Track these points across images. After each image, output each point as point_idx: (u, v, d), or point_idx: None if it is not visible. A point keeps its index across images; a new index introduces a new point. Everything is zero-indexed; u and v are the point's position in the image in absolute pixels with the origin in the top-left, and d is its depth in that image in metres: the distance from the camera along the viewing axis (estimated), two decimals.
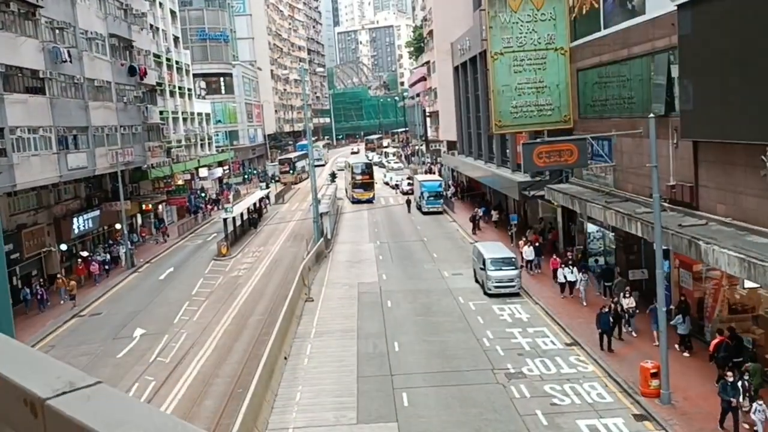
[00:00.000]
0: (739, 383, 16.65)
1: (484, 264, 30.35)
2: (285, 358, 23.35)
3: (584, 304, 27.57)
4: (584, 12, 30.51)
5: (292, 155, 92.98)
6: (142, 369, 23.57)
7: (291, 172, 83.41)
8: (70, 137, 35.85)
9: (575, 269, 29.12)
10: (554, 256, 31.90)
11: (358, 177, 64.52)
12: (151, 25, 55.68)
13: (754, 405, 15.36)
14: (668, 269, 24.54)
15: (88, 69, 38.36)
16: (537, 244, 34.64)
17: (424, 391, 20.18)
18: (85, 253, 40.22)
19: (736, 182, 19.52)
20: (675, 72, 22.74)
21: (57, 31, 35.31)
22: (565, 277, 29.09)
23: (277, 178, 77.67)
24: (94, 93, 39.30)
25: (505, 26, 32.75)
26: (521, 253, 34.10)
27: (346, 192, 67.59)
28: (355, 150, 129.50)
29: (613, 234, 30.08)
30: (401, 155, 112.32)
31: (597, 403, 18.80)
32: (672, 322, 21.40)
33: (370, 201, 63.25)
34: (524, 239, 35.75)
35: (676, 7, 21.00)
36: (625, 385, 19.57)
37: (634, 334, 23.91)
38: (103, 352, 25.87)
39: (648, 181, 25.20)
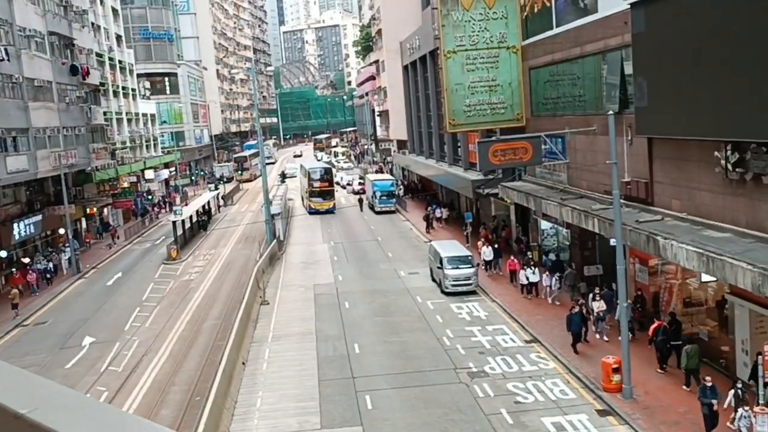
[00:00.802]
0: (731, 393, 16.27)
1: (441, 263, 30.29)
2: (243, 363, 22.81)
3: (557, 303, 27.15)
4: (536, 11, 30.73)
5: (246, 153, 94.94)
6: (93, 379, 22.69)
7: (241, 171, 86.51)
8: (9, 139, 34.43)
9: (537, 270, 28.99)
10: (512, 258, 31.75)
11: (316, 184, 56.64)
12: (93, 23, 53.99)
13: (739, 411, 15.49)
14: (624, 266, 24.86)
15: (27, 68, 36.90)
16: (495, 245, 34.20)
17: (387, 393, 19.93)
18: (26, 260, 38.72)
19: (690, 178, 19.84)
20: (628, 70, 23.12)
21: None
22: (527, 278, 28.83)
23: (225, 179, 76.40)
24: (34, 93, 37.83)
25: (457, 25, 32.75)
26: (479, 253, 33.80)
27: (302, 201, 61.04)
28: (298, 153, 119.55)
29: (567, 230, 30.42)
30: (350, 155, 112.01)
31: (560, 399, 18.86)
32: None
33: (330, 211, 56.01)
34: (482, 240, 35.51)
35: (629, 6, 21.27)
36: (587, 381, 19.70)
37: (605, 338, 22.93)
38: (51, 363, 24.83)
39: (603, 177, 25.58)
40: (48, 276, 38.33)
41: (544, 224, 33.28)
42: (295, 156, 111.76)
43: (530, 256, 31.11)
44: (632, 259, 24.37)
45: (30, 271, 37.05)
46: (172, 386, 21.71)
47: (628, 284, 24.73)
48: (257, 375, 22.03)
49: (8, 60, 33.89)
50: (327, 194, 56.81)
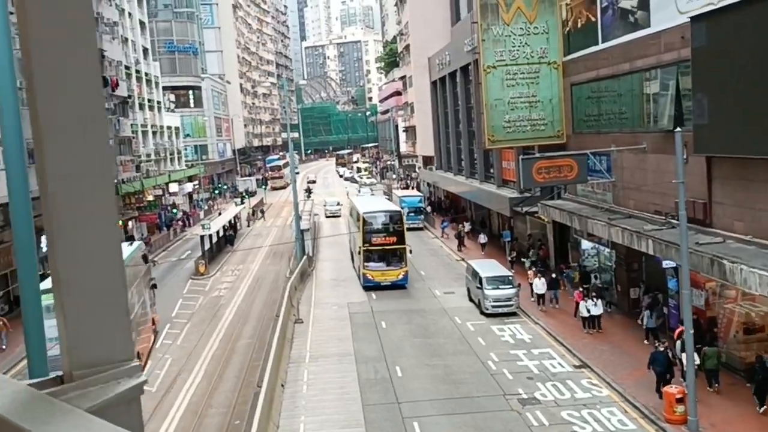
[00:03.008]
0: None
1: (480, 283, 29.44)
2: (282, 386, 22.06)
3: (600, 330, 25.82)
4: (579, 26, 30.00)
5: (280, 163, 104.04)
6: None
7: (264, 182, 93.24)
8: None
9: (599, 301, 26.09)
10: (579, 289, 29.53)
11: (376, 238, 35.26)
12: (121, 36, 53.98)
13: None
14: (676, 287, 23.94)
15: None
16: (553, 275, 30.76)
17: (436, 420, 19.08)
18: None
19: (755, 199, 18.92)
20: (683, 86, 22.32)
21: None
22: (588, 310, 25.88)
23: (249, 194, 76.06)
24: None
25: (497, 39, 32.10)
26: (530, 284, 30.59)
27: (352, 260, 41.02)
28: (312, 179, 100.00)
29: (611, 251, 29.48)
30: (372, 170, 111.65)
31: (620, 430, 17.93)
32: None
33: (401, 285, 34.82)
34: (533, 269, 31.91)
35: (688, 20, 20.50)
36: (646, 411, 18.74)
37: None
38: None
39: (653, 197, 24.71)
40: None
41: (585, 244, 32.35)
42: (308, 183, 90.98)
43: (590, 285, 28.61)
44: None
45: None
46: (209, 408, 21.00)
47: (681, 309, 23.89)
48: (297, 398, 21.26)
49: None
50: (394, 256, 35.15)
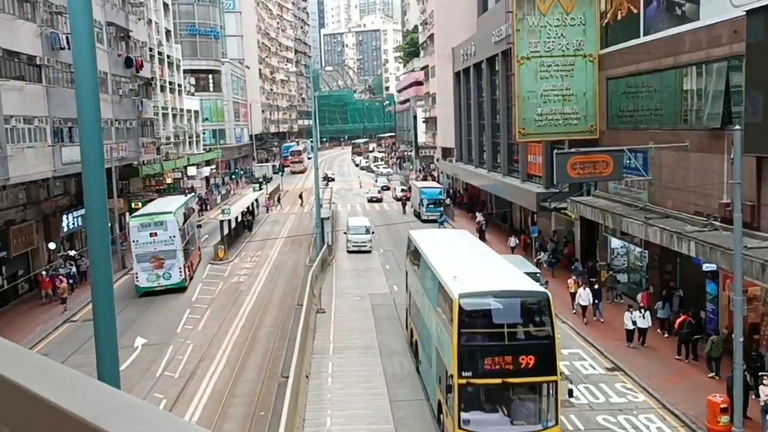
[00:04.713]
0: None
1: None
2: (306, 377, 21.51)
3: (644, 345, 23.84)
4: (619, 18, 29.15)
5: (299, 148, 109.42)
6: (149, 384, 21.56)
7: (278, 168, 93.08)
8: (66, 129, 33.63)
9: (647, 313, 23.81)
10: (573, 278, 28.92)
11: (492, 359, 16.06)
12: (145, 17, 53.40)
13: None
14: (715, 292, 23.21)
15: None
16: (596, 285, 27.65)
17: None
18: (72, 253, 37.86)
19: None
20: (732, 82, 21.52)
21: (55, 16, 33.10)
22: (633, 322, 23.73)
23: (266, 180, 75.57)
24: None
25: (532, 30, 31.28)
26: (571, 293, 28.12)
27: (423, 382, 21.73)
28: (331, 175, 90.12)
29: (643, 251, 28.73)
30: (388, 160, 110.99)
31: None
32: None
33: None
34: (573, 279, 29.19)
35: (742, 13, 19.67)
36: (685, 419, 18.05)
37: None
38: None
39: (694, 197, 23.92)
40: (71, 282, 33.40)
41: (615, 242, 31.60)
42: (325, 180, 78.28)
43: (646, 295, 26.12)
44: (725, 287, 22.70)
45: (58, 278, 32.67)
46: (233, 398, 20.47)
47: (720, 314, 23.18)
48: (323, 391, 20.70)
49: (68, 48, 33.10)
50: (529, 400, 16.61)
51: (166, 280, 32.95)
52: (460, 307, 15.88)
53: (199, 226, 42.82)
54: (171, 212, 34.24)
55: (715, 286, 23.05)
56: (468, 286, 16.85)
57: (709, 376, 20.57)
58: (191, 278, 35.45)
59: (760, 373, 18.15)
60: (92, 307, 4.59)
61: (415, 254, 24.32)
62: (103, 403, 1.18)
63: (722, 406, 17.09)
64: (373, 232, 43.30)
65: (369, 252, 41.73)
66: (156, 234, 32.77)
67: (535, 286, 18.07)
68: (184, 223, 35.92)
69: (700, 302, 24.16)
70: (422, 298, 21.44)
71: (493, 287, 17.28)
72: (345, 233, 43.81)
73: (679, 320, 22.86)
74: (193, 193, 48.96)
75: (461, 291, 16.33)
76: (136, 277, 33.03)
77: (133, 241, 32.97)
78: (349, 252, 42.03)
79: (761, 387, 16.98)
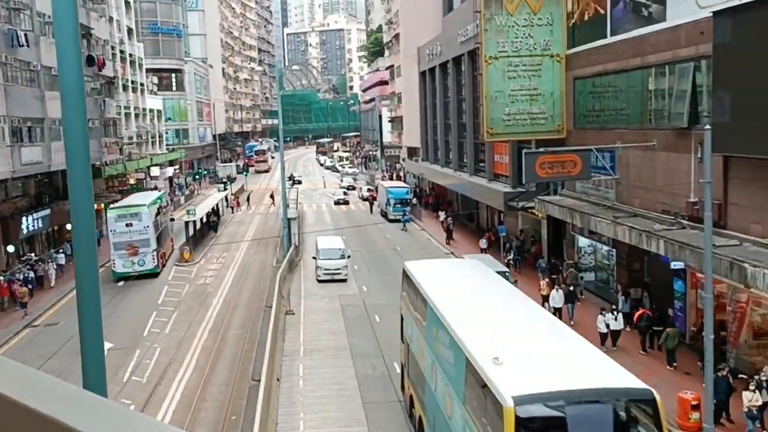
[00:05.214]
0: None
1: None
2: (278, 380, 21.23)
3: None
4: (586, 18, 29.40)
5: (264, 147, 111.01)
6: (117, 389, 21.04)
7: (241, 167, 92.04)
8: (25, 129, 32.74)
9: (620, 315, 23.84)
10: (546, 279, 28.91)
11: None
12: (107, 14, 52.33)
13: None
14: (683, 290, 23.52)
15: (46, 55, 35.25)
16: (571, 287, 27.73)
17: None
18: (33, 255, 36.89)
19: None
20: (698, 83, 21.82)
21: (13, 12, 32.19)
22: (607, 325, 23.58)
23: (231, 180, 74.73)
24: (51, 82, 36.14)
25: (500, 30, 31.39)
26: (542, 296, 27.27)
27: None
28: (298, 178, 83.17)
29: (611, 249, 29.01)
30: (353, 160, 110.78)
31: None
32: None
33: None
34: (546, 281, 28.70)
35: (708, 15, 19.94)
36: None
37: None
38: (68, 370, 22.96)
39: (661, 196, 24.21)
40: (30, 287, 31.73)
41: (582, 241, 31.88)
42: (291, 180, 72.77)
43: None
44: (692, 285, 23.04)
45: (14, 282, 31.38)
46: (204, 402, 20.10)
47: (688, 311, 23.50)
48: (294, 393, 20.46)
49: (27, 46, 32.28)
50: None
51: (141, 267, 35.82)
52: (516, 420, 10.14)
53: (172, 220, 44.68)
54: (145, 205, 37.20)
55: (683, 283, 23.37)
56: (523, 382, 10.88)
57: (667, 368, 21.39)
58: (164, 266, 38.49)
59: (739, 375, 18.38)
60: (78, 314, 4.33)
61: (415, 298, 18.29)
62: (92, 413, 1.13)
63: (693, 402, 17.29)
64: (349, 256, 36.00)
65: (344, 281, 34.31)
66: (131, 224, 35.74)
67: (631, 380, 11.46)
68: (157, 216, 38.87)
69: (668, 300, 24.47)
70: (433, 371, 15.21)
71: (564, 383, 10.95)
72: (314, 258, 36.06)
73: (637, 313, 23.57)
74: (164, 191, 51.45)
75: (516, 393, 10.38)
76: (113, 264, 35.82)
77: (111, 231, 35.99)
78: (320, 281, 34.46)
79: (744, 393, 17.08)
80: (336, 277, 34.48)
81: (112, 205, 39.79)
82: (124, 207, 37.96)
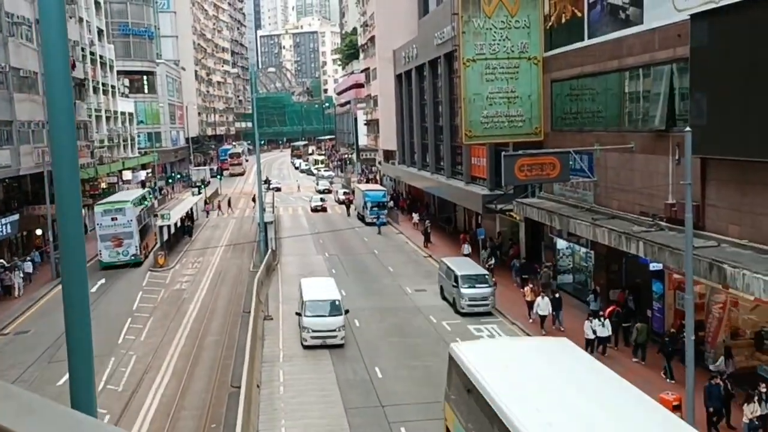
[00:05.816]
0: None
1: (456, 281, 28.72)
2: (258, 386, 20.91)
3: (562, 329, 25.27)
4: (563, 21, 29.49)
5: (239, 150, 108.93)
6: None
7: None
8: None
9: (607, 321, 23.24)
10: (530, 285, 28.69)
11: None
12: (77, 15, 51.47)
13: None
14: (662, 291, 23.64)
15: (14, 57, 34.54)
16: (556, 294, 26.92)
17: (423, 426, 18.25)
18: (2, 261, 36.08)
19: (754, 203, 18.62)
20: (676, 85, 21.95)
21: None
22: (594, 332, 23.09)
23: (205, 183, 73.97)
24: (19, 84, 35.44)
25: (478, 32, 31.36)
26: (527, 303, 27.28)
27: None
28: (275, 185, 78.70)
29: (589, 251, 29.09)
30: (328, 163, 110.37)
31: None
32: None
33: None
34: (530, 287, 28.26)
35: (686, 17, 20.06)
36: None
37: None
38: (40, 379, 22.54)
39: (639, 198, 24.32)
40: None
41: (561, 243, 31.96)
42: (266, 183, 70.99)
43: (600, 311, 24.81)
44: (670, 286, 23.16)
45: None
46: (182, 410, 19.71)
47: (666, 312, 23.62)
48: (275, 400, 20.15)
49: None
50: None
51: (125, 257, 39.18)
52: None
53: (156, 216, 46.31)
54: (129, 201, 40.83)
55: (661, 285, 23.48)
56: None
57: (633, 360, 22.35)
58: (146, 256, 41.57)
59: (733, 390, 18.43)
60: (65, 323, 4.05)
61: (482, 412, 13.24)
62: None
63: (674, 403, 17.32)
64: (347, 311, 25.53)
65: (341, 346, 24.55)
66: (116, 218, 38.98)
67: None
68: (140, 211, 42.11)
69: (647, 302, 24.60)
70: None
71: None
72: (297, 314, 25.74)
73: (608, 310, 24.09)
74: (149, 189, 54.95)
75: None
76: (100, 254, 38.89)
77: (98, 224, 39.27)
78: (306, 347, 24.52)
79: (746, 406, 17.11)
80: (329, 341, 24.41)
81: (98, 202, 42.58)
82: (110, 203, 41.21)
